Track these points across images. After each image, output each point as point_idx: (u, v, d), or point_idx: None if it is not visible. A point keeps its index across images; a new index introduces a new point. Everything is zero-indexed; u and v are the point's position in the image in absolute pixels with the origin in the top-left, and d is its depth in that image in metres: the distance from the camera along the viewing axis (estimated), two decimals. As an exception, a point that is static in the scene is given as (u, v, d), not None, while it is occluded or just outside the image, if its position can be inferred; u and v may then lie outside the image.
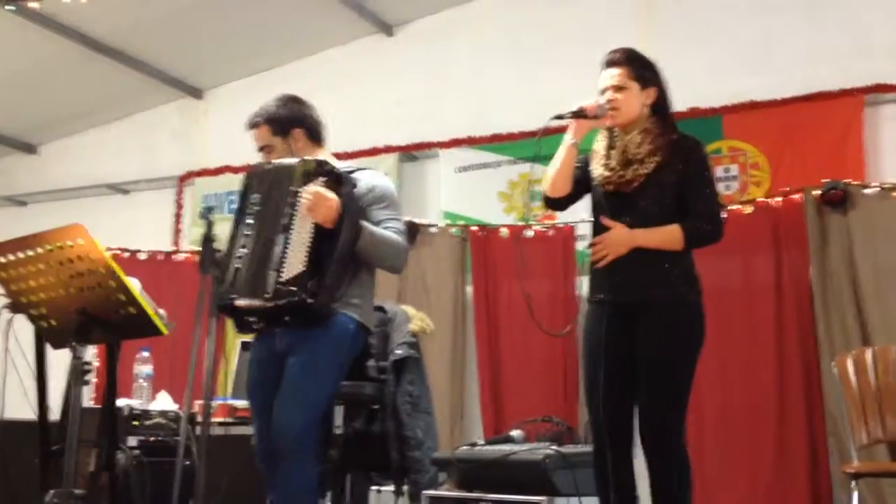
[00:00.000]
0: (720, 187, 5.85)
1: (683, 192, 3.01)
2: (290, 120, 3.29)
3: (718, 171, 5.89)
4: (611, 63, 3.10)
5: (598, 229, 3.08)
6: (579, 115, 3.03)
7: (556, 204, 3.18)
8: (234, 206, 3.23)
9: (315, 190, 2.96)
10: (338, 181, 3.03)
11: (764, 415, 5.16)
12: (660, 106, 3.11)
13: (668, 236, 2.97)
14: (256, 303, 2.93)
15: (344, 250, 3.01)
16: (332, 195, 2.96)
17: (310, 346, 3.01)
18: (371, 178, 3.21)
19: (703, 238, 3.01)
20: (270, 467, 3.08)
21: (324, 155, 3.27)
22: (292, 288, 2.89)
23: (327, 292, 2.96)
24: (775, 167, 5.74)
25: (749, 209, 5.43)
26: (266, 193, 3.07)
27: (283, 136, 3.27)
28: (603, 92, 3.09)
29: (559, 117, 3.04)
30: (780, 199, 5.39)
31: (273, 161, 3.18)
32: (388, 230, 3.12)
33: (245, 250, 3.00)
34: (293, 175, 3.04)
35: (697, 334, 3.00)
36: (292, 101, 3.34)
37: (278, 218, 3.00)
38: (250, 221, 3.05)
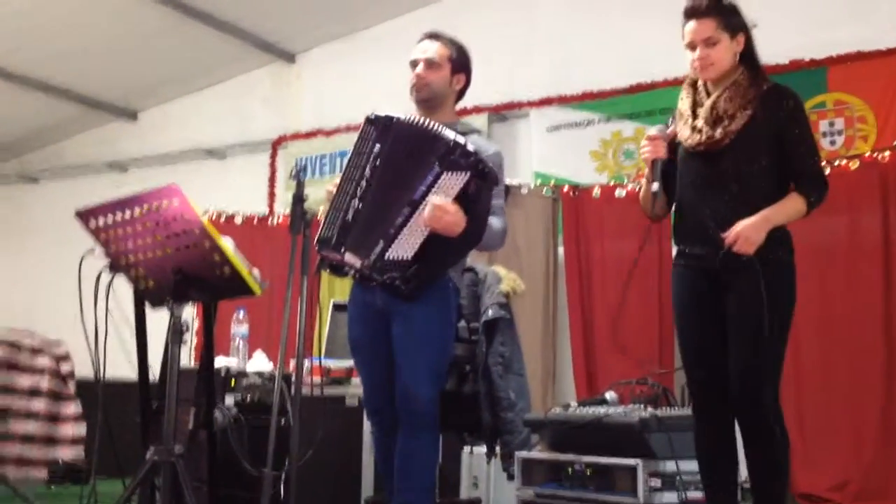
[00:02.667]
0: (824, 143, 5.62)
1: (784, 149, 2.84)
2: (464, 63, 3.24)
3: (823, 126, 5.66)
4: (697, 12, 2.86)
5: (684, 192, 2.97)
6: (661, 165, 2.91)
7: (660, 218, 3.12)
8: (349, 151, 3.01)
9: (443, 206, 2.81)
10: (482, 177, 2.87)
11: (869, 379, 4.97)
12: (747, 53, 2.90)
13: (793, 210, 2.83)
14: (357, 263, 2.93)
15: (457, 253, 2.99)
16: (459, 214, 2.82)
17: (419, 311, 2.99)
18: (483, 149, 3.06)
19: (818, 204, 2.87)
20: (380, 423, 3.15)
21: (452, 112, 3.24)
22: (391, 268, 2.87)
23: (422, 282, 2.93)
24: (883, 120, 5.49)
25: (855, 164, 5.20)
26: (397, 153, 2.91)
27: (455, 71, 3.21)
28: (692, 47, 2.88)
29: (657, 192, 2.93)
30: (888, 153, 5.14)
31: (417, 119, 2.97)
32: (493, 213, 3.05)
33: (360, 204, 2.93)
34: (440, 152, 2.86)
35: (790, 294, 2.86)
36: (468, 54, 3.29)
37: (407, 190, 2.88)
38: (368, 174, 2.93)
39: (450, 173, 2.85)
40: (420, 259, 2.87)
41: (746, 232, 2.76)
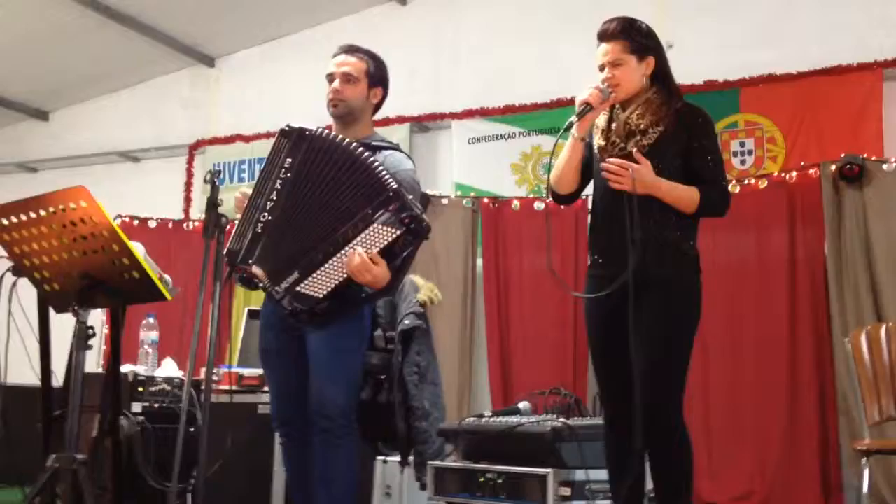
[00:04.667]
0: (735, 162, 5.79)
1: (691, 163, 2.91)
2: (382, 77, 3.15)
3: (734, 145, 5.83)
4: (605, 36, 2.94)
5: (600, 201, 3.01)
6: (586, 110, 2.91)
7: (564, 199, 3.10)
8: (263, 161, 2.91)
9: (369, 264, 2.72)
10: (414, 234, 2.78)
11: (774, 392, 5.12)
12: (660, 74, 2.97)
13: (686, 195, 2.86)
14: (265, 278, 2.88)
15: (369, 299, 2.96)
16: (383, 272, 2.75)
17: (334, 321, 2.94)
18: (396, 165, 2.99)
19: (714, 209, 2.91)
20: (289, 433, 3.09)
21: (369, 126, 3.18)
22: (300, 301, 2.81)
23: (327, 319, 2.88)
24: (791, 142, 5.68)
25: (764, 184, 5.37)
26: (318, 171, 2.80)
27: (372, 85, 3.12)
28: (601, 69, 2.96)
29: (570, 125, 2.94)
30: (795, 173, 5.32)
31: (351, 145, 2.82)
32: None
33: (269, 218, 2.84)
34: (377, 200, 2.74)
35: (695, 312, 2.92)
36: (385, 67, 3.21)
37: (331, 222, 2.78)
38: (278, 187, 2.83)
39: (382, 226, 2.76)
40: (331, 298, 2.82)
41: (636, 175, 2.79)
